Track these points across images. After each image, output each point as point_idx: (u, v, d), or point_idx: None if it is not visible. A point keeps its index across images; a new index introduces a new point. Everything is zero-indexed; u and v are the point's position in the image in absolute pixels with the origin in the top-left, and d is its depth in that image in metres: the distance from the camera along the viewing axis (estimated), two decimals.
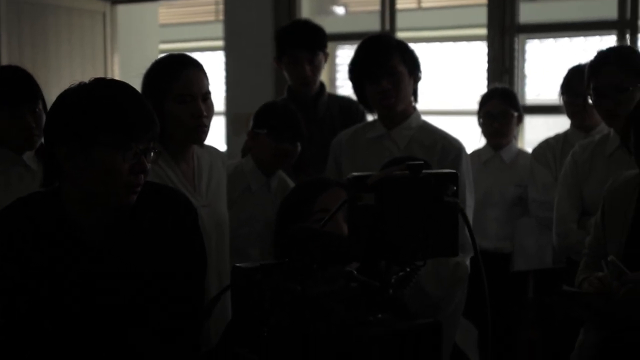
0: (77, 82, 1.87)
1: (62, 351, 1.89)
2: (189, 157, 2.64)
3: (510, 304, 3.82)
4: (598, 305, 2.20)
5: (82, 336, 1.89)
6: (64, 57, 5.92)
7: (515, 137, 4.13)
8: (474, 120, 4.14)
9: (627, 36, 4.64)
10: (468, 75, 8.31)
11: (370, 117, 3.32)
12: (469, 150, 3.25)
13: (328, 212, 1.93)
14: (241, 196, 3.10)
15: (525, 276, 3.86)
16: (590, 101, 2.90)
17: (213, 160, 2.74)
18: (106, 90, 1.86)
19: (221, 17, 8.13)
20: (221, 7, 8.42)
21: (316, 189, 2.01)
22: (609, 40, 5.39)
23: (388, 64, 2.88)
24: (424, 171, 1.44)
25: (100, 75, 5.94)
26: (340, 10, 8.99)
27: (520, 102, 4.17)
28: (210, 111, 2.58)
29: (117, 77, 5.76)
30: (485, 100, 3.99)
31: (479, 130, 4.05)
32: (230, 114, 5.66)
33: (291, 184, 3.26)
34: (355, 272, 1.54)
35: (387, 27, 5.32)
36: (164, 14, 8.55)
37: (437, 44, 8.84)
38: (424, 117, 3.05)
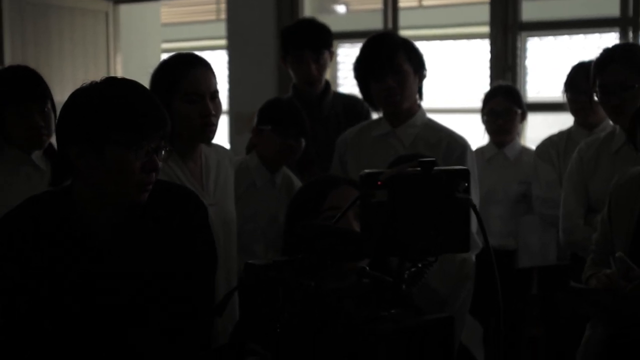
0: (88, 82, 1.88)
1: (70, 350, 1.90)
2: (196, 155, 2.66)
3: (515, 300, 3.83)
4: (605, 301, 2.21)
5: (91, 335, 1.90)
6: (67, 57, 5.93)
7: (519, 135, 4.14)
8: (476, 118, 4.15)
9: (630, 33, 4.65)
10: (469, 73, 8.32)
11: (375, 115, 3.33)
12: (473, 147, 3.26)
13: (338, 209, 1.94)
14: (246, 192, 3.11)
15: (530, 273, 3.87)
16: (595, 98, 2.91)
17: (220, 158, 2.75)
18: (118, 89, 1.87)
19: (222, 16, 8.14)
20: (222, 6, 8.44)
21: (326, 186, 2.02)
22: (609, 38, 5.41)
23: (393, 62, 2.89)
24: (435, 168, 1.46)
25: (103, 74, 5.95)
26: (341, 8, 9.00)
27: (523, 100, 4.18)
28: (218, 110, 2.59)
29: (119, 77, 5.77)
30: (489, 98, 4.00)
31: (482, 127, 4.06)
32: (233, 113, 5.67)
33: (296, 180, 3.28)
34: (367, 269, 1.56)
35: (390, 25, 5.33)
36: (165, 13, 8.55)
37: (438, 42, 8.85)
38: (428, 115, 3.07)
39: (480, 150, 4.01)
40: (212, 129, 2.58)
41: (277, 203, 3.19)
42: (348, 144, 3.11)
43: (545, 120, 5.21)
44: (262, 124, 3.21)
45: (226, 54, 5.78)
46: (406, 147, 2.94)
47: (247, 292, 1.95)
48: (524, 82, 5.12)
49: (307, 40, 3.56)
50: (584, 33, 6.04)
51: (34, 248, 1.87)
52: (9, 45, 5.57)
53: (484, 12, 5.11)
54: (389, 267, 1.76)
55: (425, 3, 8.26)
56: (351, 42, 6.01)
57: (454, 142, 2.93)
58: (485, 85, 4.87)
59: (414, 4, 8.22)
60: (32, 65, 3.01)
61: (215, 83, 2.61)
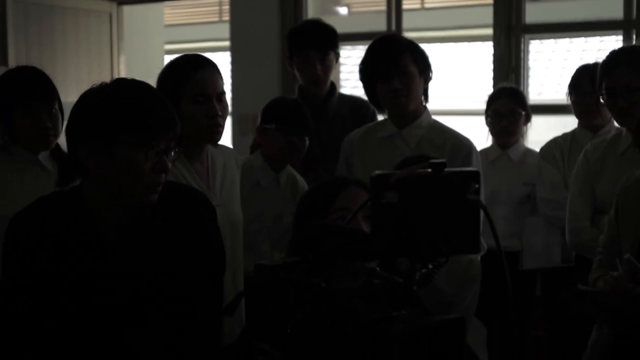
0: (98, 82, 1.89)
1: (78, 350, 1.91)
2: (203, 156, 2.66)
3: (519, 302, 3.83)
4: (612, 303, 2.21)
5: (98, 335, 1.91)
6: (71, 58, 5.94)
7: (523, 136, 4.15)
8: (479, 120, 4.16)
9: (633, 36, 4.66)
10: (471, 75, 8.33)
11: (380, 117, 3.34)
12: (477, 149, 3.26)
13: (347, 210, 1.95)
14: (250, 192, 3.12)
15: (534, 274, 3.87)
16: (602, 101, 2.92)
17: (226, 159, 2.75)
18: (128, 89, 1.88)
19: (225, 17, 8.15)
20: (225, 7, 8.45)
21: (335, 187, 2.02)
22: (609, 41, 5.42)
23: (399, 64, 2.90)
24: (446, 169, 1.46)
25: (106, 75, 5.98)
26: (343, 10, 9.01)
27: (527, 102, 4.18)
28: (224, 111, 2.60)
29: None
30: (493, 100, 4.01)
31: (486, 129, 4.07)
32: (236, 115, 5.68)
33: (300, 179, 3.29)
34: (378, 269, 1.56)
35: (394, 27, 5.34)
36: (168, 14, 8.57)
37: (440, 44, 8.86)
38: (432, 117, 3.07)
39: (484, 151, 4.02)
40: (218, 129, 2.59)
41: (282, 202, 3.21)
42: (354, 146, 3.12)
43: (547, 122, 5.23)
44: (266, 123, 3.23)
45: (229, 56, 5.78)
46: (412, 148, 2.95)
47: (256, 292, 1.96)
48: (527, 85, 5.14)
49: (313, 40, 3.57)
50: (588, 35, 6.05)
51: (42, 248, 1.88)
52: (12, 45, 5.58)
53: (487, 14, 5.12)
54: (397, 268, 1.77)
55: (427, 5, 8.27)
56: (352, 44, 6.02)
57: (460, 144, 2.94)
58: (487, 88, 4.88)
59: (417, 5, 8.23)
60: (35, 65, 3.02)
61: (222, 84, 2.61)
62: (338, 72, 6.65)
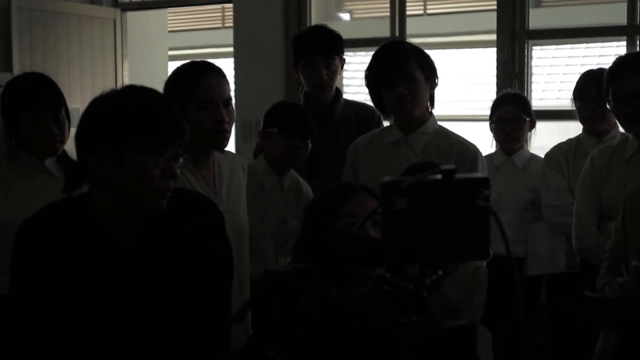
0: (108, 89, 1.90)
1: (85, 356, 1.91)
2: (209, 163, 2.66)
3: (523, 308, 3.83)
4: (619, 310, 2.21)
5: (106, 342, 1.91)
6: (74, 64, 5.95)
7: (527, 142, 4.15)
8: (482, 126, 4.16)
9: (637, 41, 4.66)
10: (474, 81, 8.32)
11: (386, 123, 3.35)
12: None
13: (355, 217, 1.96)
14: (254, 196, 3.13)
15: (538, 280, 3.87)
16: (608, 107, 2.93)
17: (233, 166, 2.76)
18: (138, 96, 1.88)
19: (227, 23, 8.15)
20: (227, 14, 8.46)
21: (343, 194, 2.03)
22: (611, 47, 5.42)
23: (405, 70, 2.90)
24: (456, 176, 1.47)
25: (110, 81, 5.99)
26: (345, 16, 9.02)
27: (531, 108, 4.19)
28: (231, 117, 2.60)
29: (127, 83, 5.79)
30: (497, 106, 4.01)
31: (489, 135, 4.08)
32: (240, 121, 5.68)
33: (304, 183, 3.30)
34: (388, 275, 1.57)
35: (397, 33, 5.34)
36: (171, 20, 8.58)
37: (441, 50, 8.85)
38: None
39: (489, 157, 4.02)
40: (225, 136, 2.59)
41: (286, 206, 3.22)
42: (359, 152, 3.12)
43: (548, 128, 5.23)
44: (268, 127, 3.24)
45: (233, 62, 5.79)
46: (417, 154, 2.95)
47: (263, 297, 1.96)
48: (530, 90, 5.14)
49: (319, 45, 3.58)
50: (593, 41, 6.05)
51: (51, 255, 1.89)
52: (17, 51, 5.60)
53: (490, 20, 5.13)
54: (404, 274, 1.77)
55: (430, 10, 8.27)
56: (354, 51, 6.02)
57: (466, 150, 2.94)
58: (490, 94, 4.88)
59: (419, 11, 8.23)
60: (39, 72, 3.03)
61: (228, 90, 2.62)
62: (340, 78, 6.65)
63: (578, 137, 3.73)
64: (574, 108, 3.69)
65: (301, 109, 3.30)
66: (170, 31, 7.86)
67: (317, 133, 3.30)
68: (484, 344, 3.49)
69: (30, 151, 2.86)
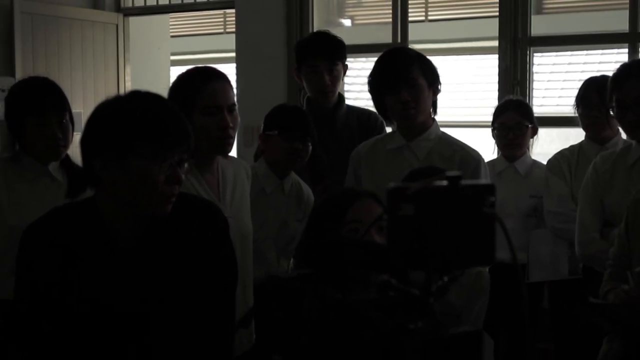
0: (113, 95, 1.91)
1: (89, 357, 1.92)
2: (213, 168, 2.67)
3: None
4: (623, 316, 2.22)
5: (110, 346, 1.91)
6: (77, 68, 5.96)
7: (529, 149, 4.16)
8: (484, 132, 4.16)
9: None
10: (476, 87, 8.32)
11: (389, 129, 3.35)
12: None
13: (359, 222, 1.96)
14: (255, 199, 3.13)
15: (541, 287, 3.87)
16: (612, 113, 2.93)
17: (237, 171, 2.76)
18: (143, 101, 1.89)
19: (229, 29, 8.16)
20: (229, 19, 8.47)
21: (347, 199, 2.03)
22: (611, 54, 5.42)
23: (408, 76, 2.91)
24: (462, 182, 1.47)
25: (113, 86, 6.01)
26: (347, 22, 9.03)
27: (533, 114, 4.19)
28: (235, 122, 2.61)
29: (129, 88, 5.80)
30: (499, 112, 4.02)
31: (491, 141, 4.08)
32: (242, 126, 5.68)
33: (305, 186, 3.30)
34: (393, 281, 1.57)
35: (399, 39, 5.35)
36: (173, 25, 8.59)
37: (443, 57, 8.86)
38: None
39: (491, 164, 4.02)
40: (229, 141, 2.60)
41: (287, 209, 3.22)
42: (362, 158, 3.12)
43: (548, 135, 5.23)
44: (268, 130, 3.25)
45: (235, 67, 5.79)
46: (420, 160, 2.95)
47: (266, 301, 1.96)
48: (532, 97, 5.15)
49: (321, 51, 3.59)
50: (594, 49, 6.05)
51: (56, 259, 1.89)
52: (19, 56, 5.61)
53: (492, 27, 5.13)
54: (408, 280, 1.77)
55: (431, 17, 8.28)
56: (354, 56, 6.03)
57: (468, 156, 2.94)
58: (492, 100, 4.89)
59: (421, 17, 8.24)
60: (44, 76, 3.03)
61: (232, 96, 2.63)
62: (342, 84, 6.66)
63: (580, 144, 3.73)
64: (575, 115, 3.70)
65: (301, 111, 3.31)
66: (172, 36, 7.86)
67: (319, 138, 3.30)
68: (486, 351, 3.49)
69: (33, 156, 2.86)
